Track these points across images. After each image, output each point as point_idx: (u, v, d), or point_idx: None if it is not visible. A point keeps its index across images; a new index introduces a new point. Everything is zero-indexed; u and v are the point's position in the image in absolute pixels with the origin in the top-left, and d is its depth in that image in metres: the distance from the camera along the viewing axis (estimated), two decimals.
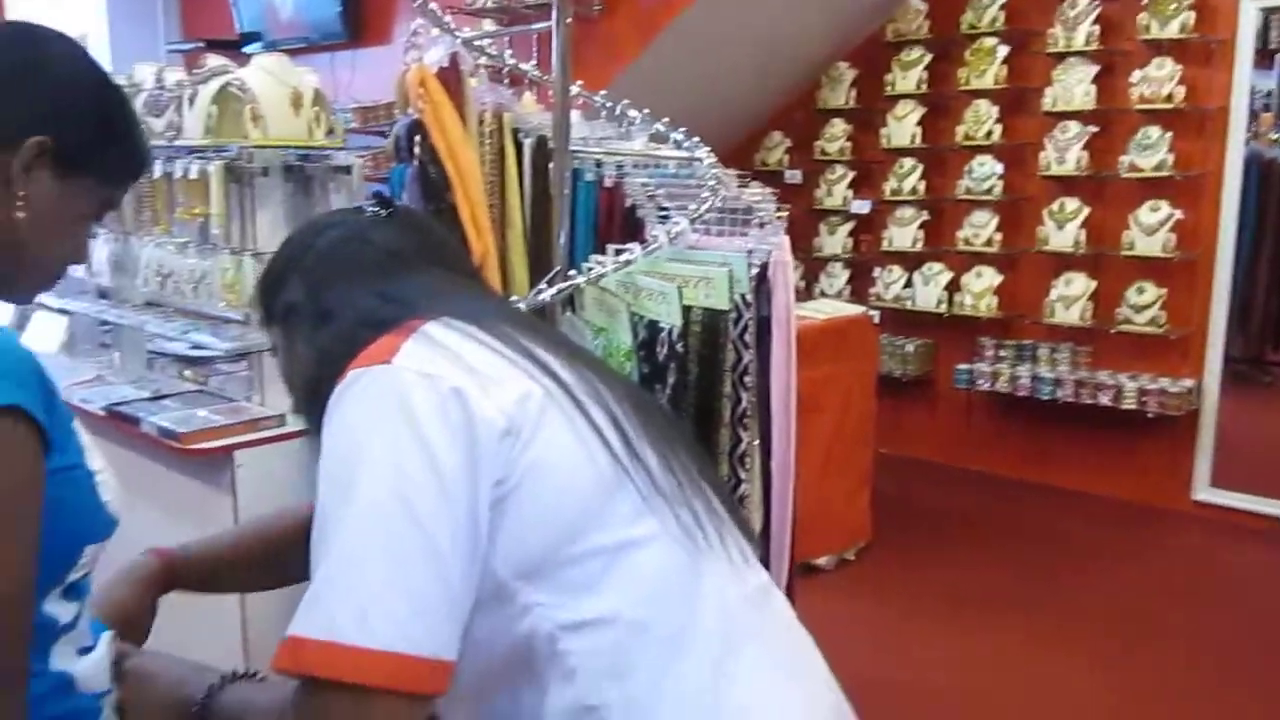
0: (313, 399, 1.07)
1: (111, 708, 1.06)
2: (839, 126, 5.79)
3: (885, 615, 3.87)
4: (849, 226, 5.82)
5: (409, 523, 0.90)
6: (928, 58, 5.36)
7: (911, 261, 5.52)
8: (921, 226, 5.46)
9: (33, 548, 0.88)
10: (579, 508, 0.99)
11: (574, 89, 2.59)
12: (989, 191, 5.19)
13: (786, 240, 2.40)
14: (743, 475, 2.22)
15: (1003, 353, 5.20)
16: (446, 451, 0.92)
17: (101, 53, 6.80)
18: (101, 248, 3.30)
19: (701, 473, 1.12)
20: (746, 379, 2.19)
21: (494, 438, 0.95)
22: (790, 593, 2.54)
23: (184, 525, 2.91)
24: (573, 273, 2.20)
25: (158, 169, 3.00)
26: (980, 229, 5.24)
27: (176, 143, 2.91)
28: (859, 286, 5.76)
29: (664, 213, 2.50)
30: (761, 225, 2.44)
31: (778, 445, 2.39)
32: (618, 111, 2.75)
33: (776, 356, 2.37)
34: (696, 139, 2.63)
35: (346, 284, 1.13)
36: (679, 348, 2.10)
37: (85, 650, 1.03)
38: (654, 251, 2.21)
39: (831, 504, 4.19)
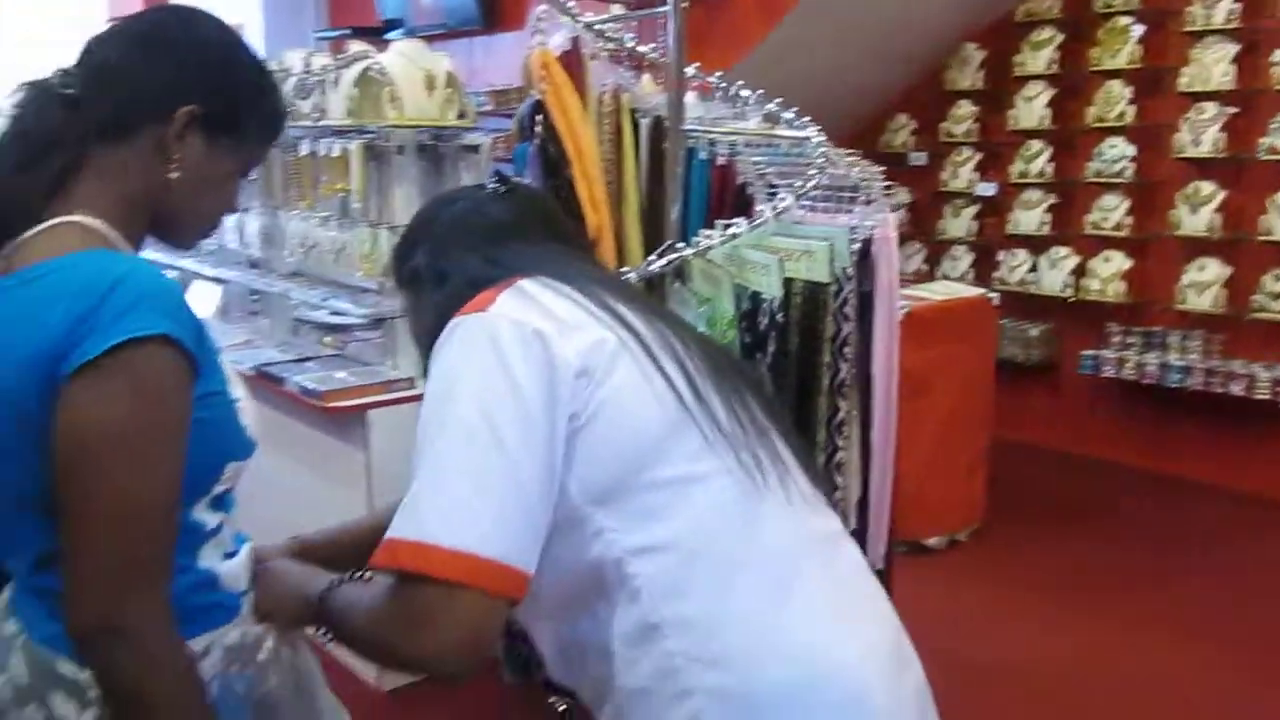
0: (430, 352, 1.22)
1: (249, 606, 1.23)
2: (966, 108, 5.73)
3: (993, 597, 3.87)
4: (974, 209, 5.76)
5: (494, 444, 1.04)
6: (1059, 38, 5.26)
7: (1037, 245, 5.44)
8: (1048, 210, 5.37)
9: (180, 459, 1.04)
10: (644, 444, 1.10)
11: (690, 71, 2.69)
12: (1120, 174, 5.08)
13: (891, 217, 2.46)
14: (840, 443, 2.30)
15: (1130, 339, 5.09)
16: (528, 384, 1.06)
17: (255, 41, 7.22)
18: (253, 221, 3.57)
19: (771, 421, 1.22)
20: (845, 350, 2.27)
21: (570, 377, 1.07)
22: (888, 563, 2.61)
23: (321, 477, 3.15)
24: (681, 246, 2.32)
25: (304, 147, 3.24)
26: (1110, 212, 5.13)
27: (321, 123, 3.14)
28: (982, 270, 5.71)
29: (773, 190, 2.58)
30: (868, 203, 2.51)
31: (878, 416, 2.46)
32: (732, 92, 2.84)
33: (879, 330, 2.44)
34: (807, 119, 2.70)
35: (461, 250, 1.27)
36: (779, 318, 2.19)
37: (229, 555, 1.20)
38: (759, 226, 2.31)
39: (944, 485, 4.21)
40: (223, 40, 1.19)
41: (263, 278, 3.67)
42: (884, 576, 2.60)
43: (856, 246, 2.31)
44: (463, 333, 1.11)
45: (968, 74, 5.70)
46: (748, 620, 1.10)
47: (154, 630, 1.01)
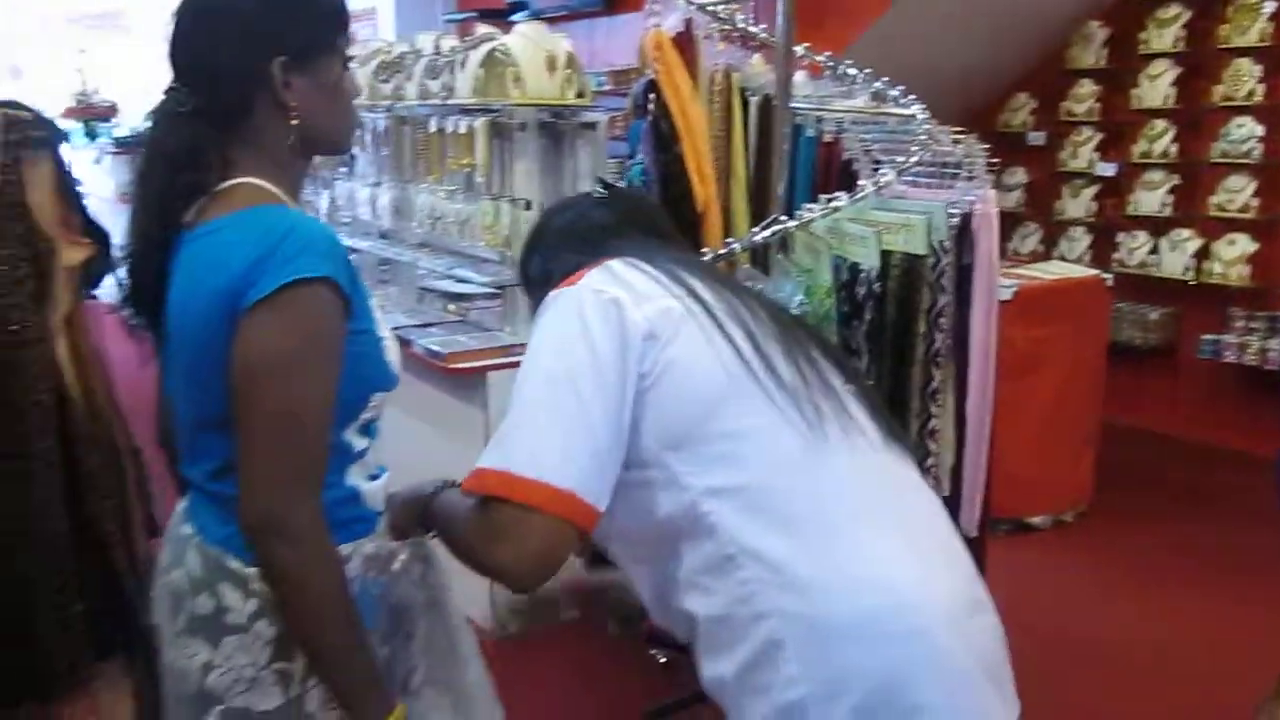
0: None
1: (384, 523, 1.40)
2: (1088, 87, 5.64)
3: (1096, 578, 3.87)
4: (1093, 190, 5.67)
5: (571, 392, 1.21)
6: (1186, 15, 5.14)
7: (1159, 227, 5.34)
8: (1171, 190, 5.27)
9: (333, 384, 1.22)
10: (708, 397, 1.24)
11: (800, 50, 2.79)
12: (1247, 154, 4.95)
13: (992, 193, 2.52)
14: (934, 410, 2.38)
15: (1254, 324, 4.97)
16: (603, 344, 1.22)
17: (388, 25, 7.51)
18: (384, 194, 3.80)
19: (840, 378, 1.34)
20: (941, 320, 2.34)
21: (639, 338, 1.23)
22: (981, 532, 2.68)
23: (442, 433, 3.36)
24: (785, 218, 2.43)
25: (432, 124, 3.44)
26: (1236, 194, 5.01)
27: (449, 102, 3.33)
28: (1100, 251, 5.62)
29: (878, 166, 2.66)
30: (970, 179, 2.57)
31: (974, 387, 2.53)
32: (840, 71, 2.92)
33: (977, 303, 2.51)
34: (914, 98, 2.77)
35: (567, 252, 1.44)
36: (876, 288, 2.28)
37: (373, 477, 1.38)
38: (860, 200, 2.40)
39: (1051, 464, 4.21)
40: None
41: (392, 247, 3.90)
42: (976, 545, 2.67)
43: (955, 221, 2.38)
44: (555, 302, 1.29)
45: (1091, 52, 5.61)
46: (815, 552, 1.22)
47: (310, 527, 1.19)
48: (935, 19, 4.86)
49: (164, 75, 1.31)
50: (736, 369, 1.26)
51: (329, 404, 1.21)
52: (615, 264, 1.33)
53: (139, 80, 5.42)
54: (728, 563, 1.23)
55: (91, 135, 8.13)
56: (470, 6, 7.37)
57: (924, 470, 2.38)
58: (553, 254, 1.47)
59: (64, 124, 8.66)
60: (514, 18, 6.87)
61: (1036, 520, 4.22)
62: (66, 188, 1.90)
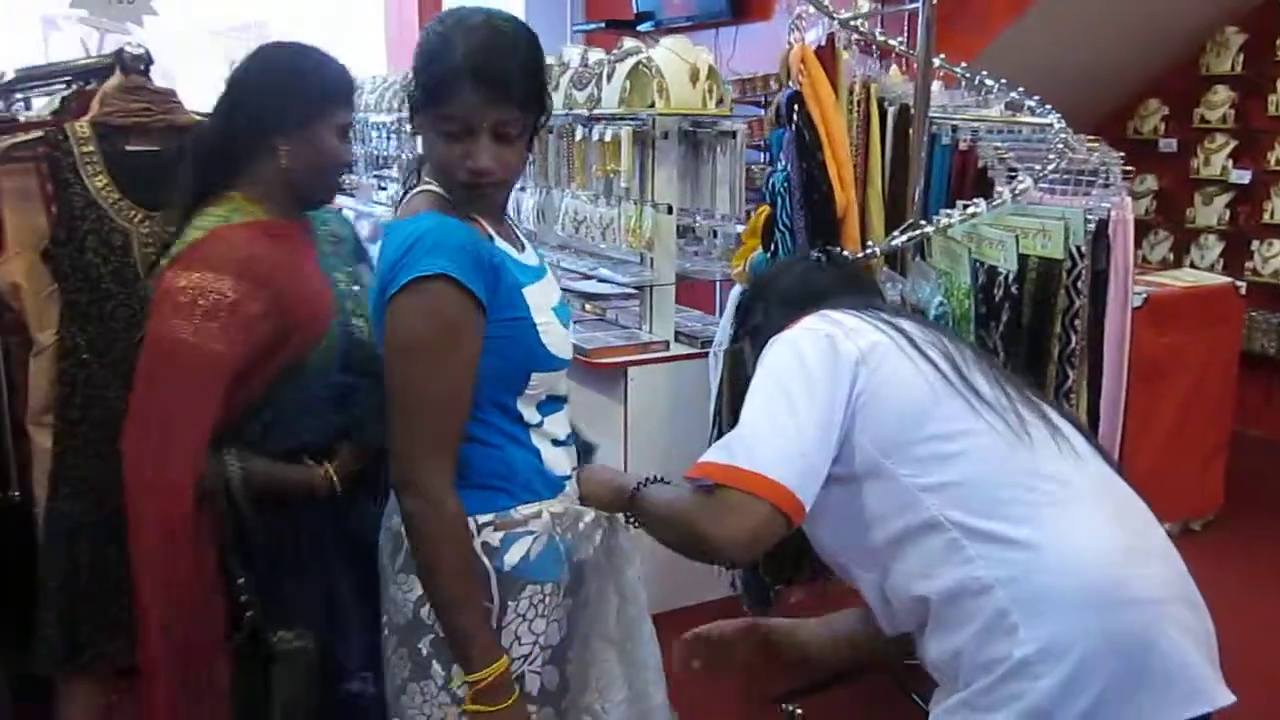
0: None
1: (572, 487, 1.59)
2: (1223, 93, 5.56)
3: (1223, 586, 3.79)
4: (1227, 197, 5.59)
5: (786, 406, 1.40)
6: None
7: None
8: None
9: (461, 365, 1.41)
10: (915, 409, 1.40)
11: (936, 61, 2.90)
12: None
13: (1128, 200, 2.59)
14: (1067, 409, 2.46)
15: None
16: (815, 366, 1.42)
17: None
18: (528, 199, 4.01)
19: (1038, 398, 1.48)
20: (1076, 323, 2.43)
21: (851, 364, 1.42)
22: None
23: (585, 425, 3.54)
24: (923, 223, 2.54)
25: (578, 133, 3.64)
26: None
27: (595, 111, 3.51)
28: (1233, 260, 5.54)
29: (1013, 173, 2.75)
30: (1106, 186, 2.64)
31: (1107, 386, 2.61)
32: (976, 81, 3.02)
33: (1112, 306, 2.59)
34: (1049, 106, 2.85)
35: (789, 310, 1.60)
36: (1014, 290, 2.38)
37: (557, 443, 1.56)
38: (999, 206, 2.50)
39: (1179, 471, 4.20)
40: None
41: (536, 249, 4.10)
42: None
43: (1092, 226, 2.47)
44: (775, 344, 1.50)
45: (1226, 58, 5.53)
46: (1035, 526, 1.33)
47: (434, 486, 1.40)
48: (1068, 26, 4.88)
49: None
50: (939, 384, 1.42)
51: (455, 383, 1.41)
52: (828, 311, 1.53)
53: None
54: (953, 546, 1.36)
55: None
56: (599, 16, 7.59)
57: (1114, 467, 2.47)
58: (777, 310, 1.65)
59: None
60: (641, 27, 7.08)
61: (1165, 527, 4.20)
62: None
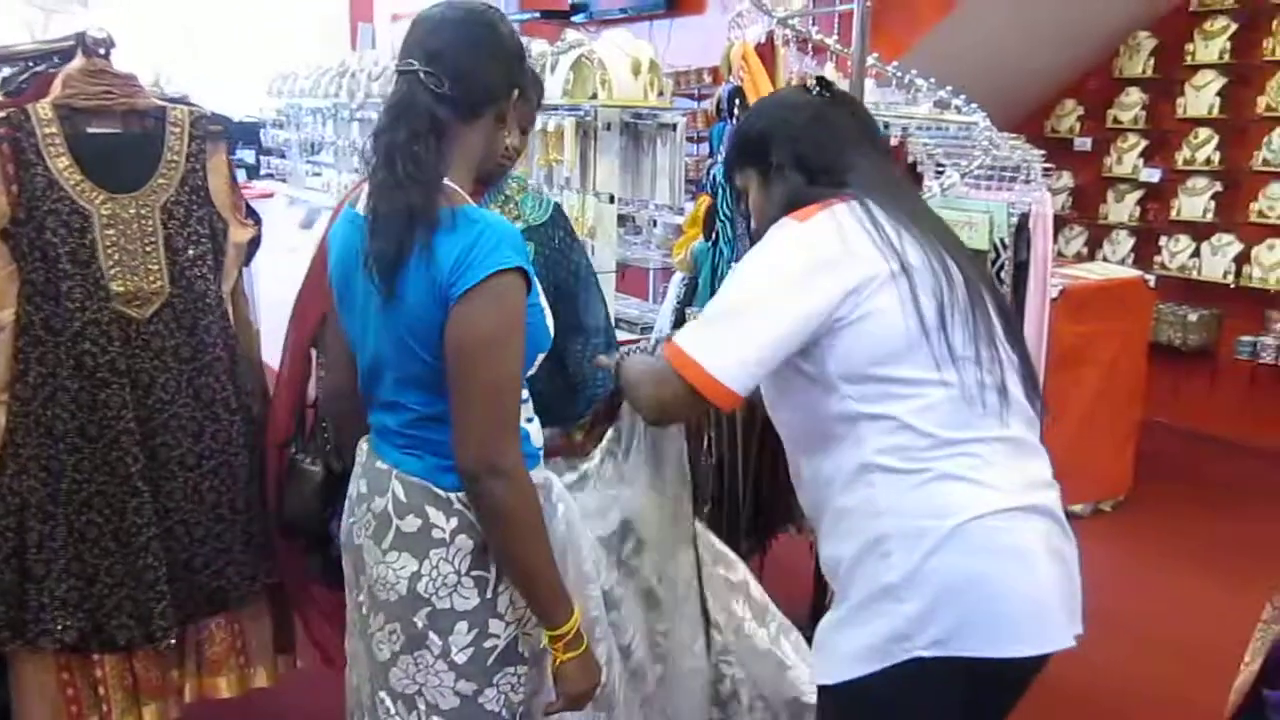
0: (762, 231, 1.64)
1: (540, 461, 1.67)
2: (1134, 95, 5.82)
3: (1132, 565, 4.06)
4: (1138, 195, 5.85)
5: (760, 309, 1.49)
6: (1233, 27, 5.32)
7: (1201, 231, 5.52)
8: (1213, 197, 5.44)
9: (523, 351, 1.49)
10: (886, 350, 1.48)
11: (870, 60, 3.02)
12: None
13: (1048, 195, 2.75)
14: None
15: None
16: (807, 280, 1.48)
17: None
18: None
19: (1013, 356, 1.55)
20: None
21: (842, 293, 1.48)
22: None
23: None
24: None
25: None
26: (1277, 201, 5.18)
27: (541, 102, 3.58)
28: (1143, 255, 5.80)
29: (940, 168, 2.90)
30: (1027, 182, 2.80)
31: None
32: (906, 80, 3.15)
33: (1031, 297, 2.74)
34: (975, 105, 3.00)
35: (814, 154, 1.63)
36: None
37: (530, 420, 1.64)
38: (928, 200, 2.63)
39: (1093, 455, 4.40)
40: (515, 32, 1.61)
41: None
42: None
43: (1014, 220, 2.61)
44: (782, 232, 1.54)
45: (1138, 62, 5.78)
46: (935, 478, 1.46)
47: (517, 466, 1.47)
48: (991, 27, 5.06)
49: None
50: (917, 333, 1.48)
51: (520, 367, 1.49)
52: (843, 211, 1.53)
53: None
54: (864, 469, 1.50)
55: None
56: (533, 6, 7.62)
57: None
58: (800, 152, 1.64)
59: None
60: (575, 18, 7.13)
61: (1077, 508, 4.41)
62: (234, 176, 2.17)
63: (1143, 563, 4.09)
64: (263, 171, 5.97)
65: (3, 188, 1.91)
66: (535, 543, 1.50)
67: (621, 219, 3.71)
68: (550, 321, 1.61)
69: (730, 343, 1.50)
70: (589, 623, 1.77)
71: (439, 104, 1.47)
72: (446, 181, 1.49)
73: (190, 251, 2.05)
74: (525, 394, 1.61)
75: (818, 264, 1.49)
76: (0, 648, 1.96)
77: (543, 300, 1.59)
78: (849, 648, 1.50)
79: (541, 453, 1.67)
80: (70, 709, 2.08)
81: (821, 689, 1.58)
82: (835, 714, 1.59)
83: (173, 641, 2.07)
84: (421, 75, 1.48)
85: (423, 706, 1.58)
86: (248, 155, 5.93)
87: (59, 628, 1.98)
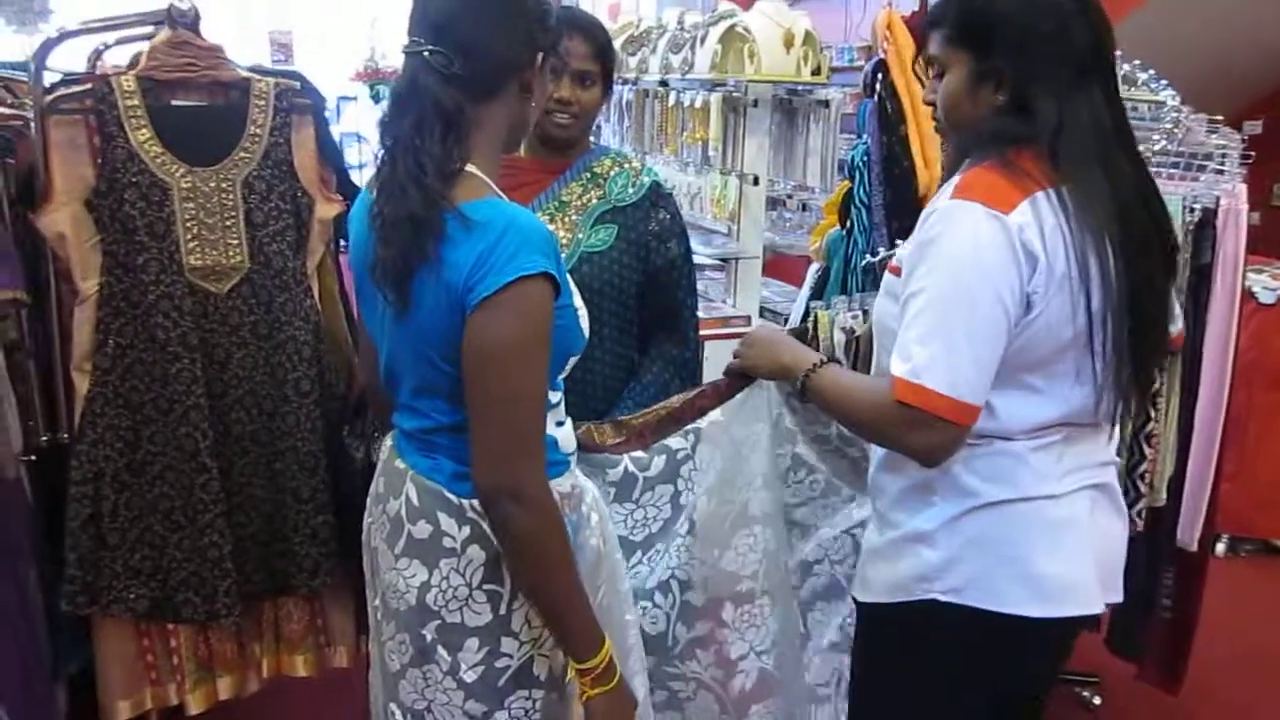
0: (957, 132, 1.50)
1: (574, 463, 1.53)
2: None
3: None
4: None
5: (965, 326, 1.36)
6: None
7: None
8: None
9: (548, 360, 1.34)
10: (1035, 357, 1.41)
11: None
12: None
13: (1242, 189, 2.36)
14: (1152, 414, 2.27)
15: None
16: (1002, 288, 1.35)
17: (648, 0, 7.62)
18: None
19: (1138, 376, 1.47)
20: None
21: (1020, 298, 1.37)
22: (1203, 547, 2.52)
23: None
24: None
25: (671, 98, 3.55)
26: None
27: (688, 76, 3.42)
28: None
29: None
30: (1220, 172, 2.41)
31: (1208, 389, 2.39)
32: None
33: (1217, 303, 2.37)
34: (1165, 82, 2.61)
35: (1034, 81, 1.39)
36: None
37: (560, 423, 1.50)
38: None
39: None
40: None
41: None
42: (1198, 559, 2.53)
43: (1193, 216, 2.25)
44: (985, 229, 1.36)
45: None
46: (998, 458, 1.46)
47: (539, 491, 1.32)
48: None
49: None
50: (1072, 342, 1.40)
51: (545, 380, 1.34)
52: (1045, 206, 1.36)
53: None
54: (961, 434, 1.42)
55: (376, 98, 8.87)
56: None
57: (1136, 476, 2.29)
58: (1025, 68, 1.39)
59: (352, 87, 9.48)
60: None
61: None
62: (326, 149, 2.12)
63: None
64: None
65: (89, 159, 1.92)
66: (558, 572, 1.36)
67: (772, 202, 3.50)
68: (585, 322, 1.46)
69: (956, 366, 1.37)
70: (624, 651, 1.62)
71: (448, 87, 1.33)
72: (471, 169, 1.36)
73: (270, 227, 2.01)
74: (557, 396, 1.48)
75: (1005, 272, 1.36)
76: (77, 612, 2.00)
77: (576, 300, 1.44)
78: (878, 578, 1.58)
79: (573, 458, 1.53)
80: (149, 675, 2.12)
81: (856, 601, 1.66)
82: (865, 628, 1.67)
83: (235, 619, 2.06)
84: (427, 55, 1.33)
85: None
86: None
87: (131, 596, 2.01)
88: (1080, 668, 2.90)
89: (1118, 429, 1.56)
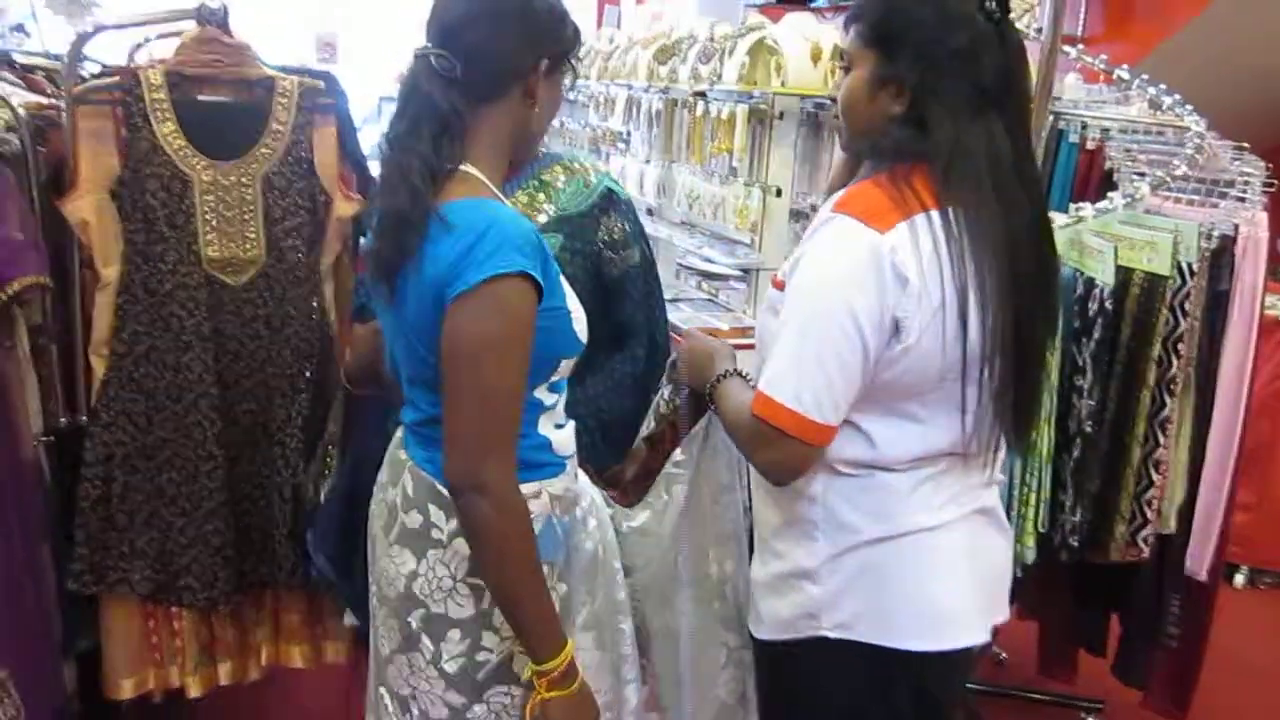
0: (859, 139, 1.47)
1: (572, 467, 1.54)
2: None
3: None
4: None
5: (834, 352, 1.36)
6: None
7: None
8: None
9: (526, 360, 1.35)
10: (919, 383, 1.40)
11: (1072, 52, 2.68)
12: None
13: (1263, 216, 2.33)
14: (1161, 440, 2.25)
15: None
16: (866, 316, 1.35)
17: (690, 8, 7.66)
18: (651, 172, 3.97)
19: (1016, 409, 1.45)
20: (1180, 346, 2.21)
21: (889, 326, 1.36)
22: (1213, 576, 2.50)
23: None
24: None
25: (699, 108, 3.56)
26: None
27: (716, 87, 3.43)
28: None
29: (1140, 177, 2.52)
30: (1240, 199, 2.39)
31: (1221, 418, 2.37)
32: (1115, 76, 2.78)
33: (1233, 334, 2.34)
34: (1190, 107, 2.60)
35: (936, 98, 1.37)
36: (1108, 306, 2.18)
37: (559, 426, 1.52)
38: (1107, 213, 2.29)
39: None
40: None
41: (654, 223, 4.06)
42: (1208, 589, 2.50)
43: (1212, 243, 2.23)
44: (854, 246, 1.35)
45: None
46: (878, 492, 1.46)
47: (503, 485, 1.33)
48: (1266, 14, 4.43)
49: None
50: (948, 375, 1.40)
51: (521, 379, 1.36)
52: (922, 228, 1.34)
53: None
54: (834, 471, 1.47)
55: None
56: None
57: (1143, 501, 2.27)
58: (929, 79, 1.37)
59: (395, 88, 9.56)
60: (815, 3, 6.87)
61: None
62: (348, 148, 2.16)
63: None
64: None
65: (115, 149, 1.98)
66: (519, 569, 1.37)
67: (795, 214, 3.50)
68: (581, 326, 1.47)
69: (820, 384, 1.38)
70: (617, 660, 1.64)
71: (449, 90, 1.36)
72: (470, 170, 1.39)
73: (286, 222, 2.05)
74: (554, 399, 1.50)
75: (880, 297, 1.34)
76: (83, 590, 2.04)
77: (570, 303, 1.45)
78: (769, 614, 1.57)
79: (571, 461, 1.54)
80: (153, 656, 2.16)
81: (751, 636, 1.64)
82: (764, 663, 1.66)
83: (232, 606, 2.10)
84: (431, 59, 1.37)
85: (416, 712, 1.51)
86: None
87: (136, 577, 2.05)
88: (1085, 692, 2.88)
89: (1001, 454, 1.53)
